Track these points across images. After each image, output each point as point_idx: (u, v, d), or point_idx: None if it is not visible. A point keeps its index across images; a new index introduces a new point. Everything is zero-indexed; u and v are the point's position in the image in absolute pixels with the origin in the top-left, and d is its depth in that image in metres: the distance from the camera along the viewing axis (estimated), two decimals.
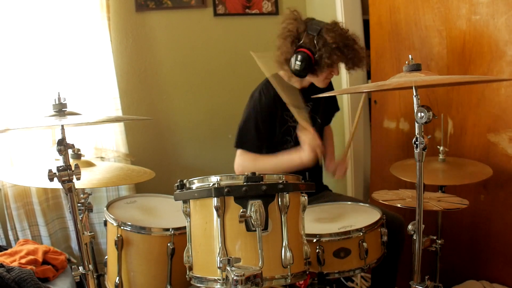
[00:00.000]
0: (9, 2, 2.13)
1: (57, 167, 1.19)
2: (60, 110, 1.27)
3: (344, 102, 2.63)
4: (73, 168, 1.20)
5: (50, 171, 1.19)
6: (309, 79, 1.94)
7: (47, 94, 2.23)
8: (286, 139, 1.97)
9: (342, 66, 1.92)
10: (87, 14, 2.31)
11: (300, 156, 1.77)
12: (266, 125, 1.90)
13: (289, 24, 1.87)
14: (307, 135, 1.77)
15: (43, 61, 2.24)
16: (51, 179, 1.19)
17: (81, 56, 2.33)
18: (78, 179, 1.23)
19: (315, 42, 1.80)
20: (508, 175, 1.78)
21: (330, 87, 2.10)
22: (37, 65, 2.23)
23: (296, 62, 1.82)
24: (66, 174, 1.19)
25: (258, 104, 1.90)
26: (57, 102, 1.27)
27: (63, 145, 1.20)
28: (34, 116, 2.18)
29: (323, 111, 2.07)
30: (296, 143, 1.95)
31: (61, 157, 1.21)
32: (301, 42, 1.83)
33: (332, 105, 2.19)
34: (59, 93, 1.27)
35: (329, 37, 1.78)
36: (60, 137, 1.21)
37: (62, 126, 1.22)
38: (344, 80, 2.58)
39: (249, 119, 1.90)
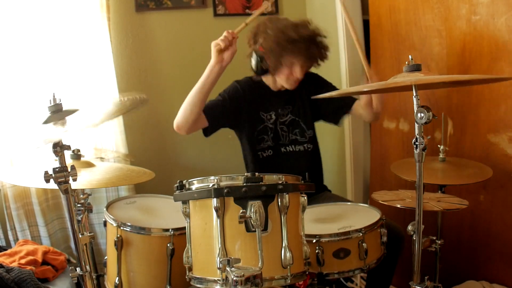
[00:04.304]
0: (9, 2, 2.13)
1: (53, 168, 1.19)
2: (56, 111, 1.26)
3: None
4: (69, 169, 1.20)
5: (46, 172, 1.18)
6: (273, 79, 1.96)
7: (47, 94, 2.22)
8: (263, 138, 2.00)
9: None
10: (87, 14, 2.32)
11: (209, 65, 1.78)
12: (229, 104, 1.94)
13: (256, 24, 1.91)
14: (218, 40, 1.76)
15: (44, 61, 2.24)
16: (47, 181, 1.18)
17: (81, 56, 2.33)
18: (74, 180, 1.22)
19: (267, 42, 1.82)
20: (508, 175, 1.77)
21: (322, 85, 2.07)
22: (37, 65, 2.23)
23: (252, 61, 1.88)
24: (62, 175, 1.19)
25: (231, 87, 1.99)
26: (52, 103, 1.26)
27: (59, 147, 1.20)
28: (32, 118, 2.18)
29: (307, 112, 2.04)
30: (273, 142, 2.01)
31: (57, 159, 1.21)
32: (259, 41, 1.86)
33: (326, 103, 2.06)
34: (54, 94, 1.26)
35: (278, 37, 1.78)
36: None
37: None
38: (344, 82, 2.58)
39: (218, 97, 1.98)
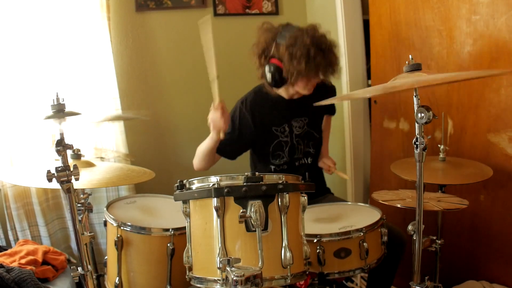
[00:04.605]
0: (9, 2, 2.13)
1: (56, 167, 1.19)
2: (59, 110, 1.27)
3: (345, 104, 2.63)
4: (71, 169, 1.20)
5: (48, 171, 1.18)
6: (291, 88, 1.88)
7: (47, 94, 2.23)
8: (279, 154, 1.96)
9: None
10: (87, 14, 2.32)
11: (210, 137, 1.80)
12: (239, 133, 1.92)
13: (259, 36, 1.85)
14: (212, 114, 1.74)
15: (43, 61, 2.24)
16: (49, 180, 1.18)
17: (81, 56, 2.33)
18: (76, 179, 1.23)
19: (284, 51, 1.75)
20: (508, 175, 1.78)
21: (333, 93, 2.07)
22: (37, 65, 2.23)
23: (267, 75, 1.81)
24: (64, 174, 1.19)
25: (235, 114, 1.93)
26: (55, 103, 1.27)
27: (62, 146, 1.20)
28: (34, 116, 2.18)
29: (320, 121, 2.04)
30: (289, 156, 1.97)
31: (60, 158, 1.21)
32: (271, 52, 1.79)
33: (328, 110, 2.15)
34: (57, 93, 1.27)
35: (296, 47, 1.72)
36: (59, 137, 1.21)
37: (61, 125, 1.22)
38: (344, 82, 2.58)
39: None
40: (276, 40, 1.79)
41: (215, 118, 1.72)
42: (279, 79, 1.79)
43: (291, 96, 1.95)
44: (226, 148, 1.91)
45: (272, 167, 1.98)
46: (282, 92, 1.94)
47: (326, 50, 1.76)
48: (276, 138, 1.94)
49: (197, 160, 1.90)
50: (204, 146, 1.84)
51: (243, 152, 2.00)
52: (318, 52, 1.72)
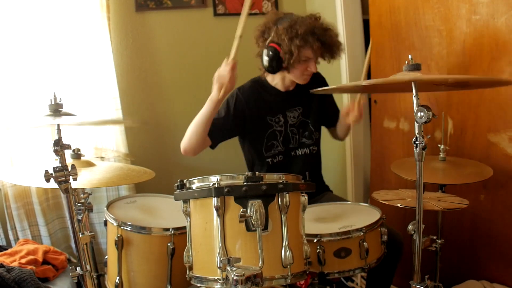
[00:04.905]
0: (9, 2, 2.14)
1: (54, 167, 1.19)
2: (56, 110, 1.27)
3: (345, 104, 2.63)
4: (69, 169, 1.20)
5: (46, 171, 1.18)
6: (285, 75, 1.89)
7: (47, 93, 2.22)
8: (273, 144, 1.96)
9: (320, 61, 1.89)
10: (87, 14, 2.32)
11: (209, 98, 1.73)
12: (233, 118, 1.90)
13: (263, 22, 1.86)
14: (221, 68, 1.70)
15: (43, 61, 2.24)
16: (47, 180, 1.18)
17: (81, 56, 2.33)
18: (74, 179, 1.23)
19: (283, 36, 1.75)
20: (508, 175, 1.77)
21: (324, 85, 2.07)
22: (37, 65, 2.23)
23: (264, 58, 1.80)
24: (62, 174, 1.19)
25: (232, 98, 1.92)
26: (52, 103, 1.26)
27: (59, 146, 1.20)
28: (32, 116, 2.18)
29: (316, 114, 2.03)
30: (284, 146, 1.97)
31: (57, 158, 1.21)
32: (271, 37, 1.79)
33: (328, 107, 2.13)
34: (54, 93, 1.27)
35: (296, 29, 1.73)
36: (56, 137, 1.21)
37: (58, 126, 1.22)
38: (344, 82, 2.58)
39: (220, 111, 1.93)
40: (277, 24, 1.79)
41: (222, 71, 1.68)
42: (275, 64, 1.78)
43: (287, 88, 1.96)
44: (215, 130, 1.87)
45: (268, 160, 1.97)
46: (278, 83, 1.96)
47: (326, 35, 1.78)
48: (270, 127, 1.95)
49: (188, 136, 1.80)
50: (200, 114, 1.77)
51: (228, 138, 1.95)
52: (319, 33, 1.75)
